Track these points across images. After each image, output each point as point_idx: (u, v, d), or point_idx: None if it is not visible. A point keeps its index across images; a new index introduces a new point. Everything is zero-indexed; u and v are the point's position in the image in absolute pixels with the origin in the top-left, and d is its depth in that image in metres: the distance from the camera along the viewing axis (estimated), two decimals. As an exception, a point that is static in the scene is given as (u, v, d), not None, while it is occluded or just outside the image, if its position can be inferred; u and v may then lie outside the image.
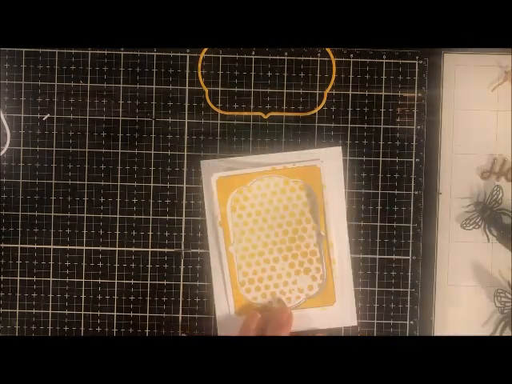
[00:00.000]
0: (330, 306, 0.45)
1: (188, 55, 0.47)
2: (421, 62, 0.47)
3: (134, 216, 0.47)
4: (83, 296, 0.47)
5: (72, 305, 0.46)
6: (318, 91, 0.47)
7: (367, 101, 0.47)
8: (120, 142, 0.47)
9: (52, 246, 0.46)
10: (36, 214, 0.46)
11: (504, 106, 0.47)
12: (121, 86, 0.47)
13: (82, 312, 0.46)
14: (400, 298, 0.46)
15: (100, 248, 0.47)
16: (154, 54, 0.47)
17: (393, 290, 0.47)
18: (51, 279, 0.46)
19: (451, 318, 0.47)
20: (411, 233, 0.47)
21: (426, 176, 0.47)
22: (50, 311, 0.47)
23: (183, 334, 0.46)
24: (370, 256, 0.46)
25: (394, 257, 0.46)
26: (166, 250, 0.47)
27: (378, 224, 0.47)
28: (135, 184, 0.47)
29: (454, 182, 0.47)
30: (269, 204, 0.45)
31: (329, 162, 0.46)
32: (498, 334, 0.46)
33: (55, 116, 0.47)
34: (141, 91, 0.46)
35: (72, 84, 0.47)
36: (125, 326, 0.46)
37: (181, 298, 0.47)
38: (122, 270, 0.47)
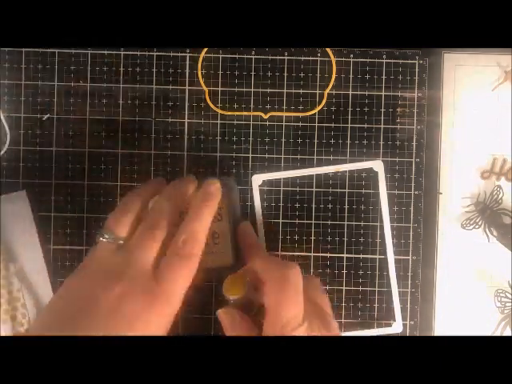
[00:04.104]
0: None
1: (188, 55, 0.47)
2: (421, 61, 0.47)
3: (134, 216, 0.47)
4: (83, 296, 0.46)
5: (72, 305, 0.46)
6: (318, 91, 0.47)
7: (367, 101, 0.47)
8: (120, 142, 0.47)
9: (52, 246, 0.46)
10: (36, 213, 0.46)
11: (504, 106, 0.47)
12: (121, 86, 0.47)
13: (82, 312, 0.46)
14: (400, 298, 0.46)
15: (100, 248, 0.46)
16: (154, 54, 0.47)
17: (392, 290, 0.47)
18: (51, 279, 0.46)
19: (451, 317, 0.47)
20: (411, 233, 0.47)
21: (425, 176, 0.47)
22: (50, 311, 0.46)
23: None
24: (369, 256, 0.46)
25: (394, 256, 0.46)
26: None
27: (378, 224, 0.47)
28: (135, 184, 0.47)
29: (454, 182, 0.47)
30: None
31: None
32: (498, 333, 0.46)
33: (55, 116, 0.46)
34: (141, 91, 0.46)
35: (72, 84, 0.47)
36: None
37: (181, 298, 0.46)
38: (122, 270, 0.46)
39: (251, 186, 0.46)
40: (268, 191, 0.47)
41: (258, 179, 0.46)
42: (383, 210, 0.46)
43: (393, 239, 0.46)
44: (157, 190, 0.41)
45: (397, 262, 0.46)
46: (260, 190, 0.46)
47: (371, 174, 0.46)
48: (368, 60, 0.47)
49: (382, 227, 0.46)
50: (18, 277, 0.44)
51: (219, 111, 0.47)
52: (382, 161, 0.46)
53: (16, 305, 0.44)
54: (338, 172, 0.46)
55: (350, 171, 0.46)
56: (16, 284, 0.44)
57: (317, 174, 0.46)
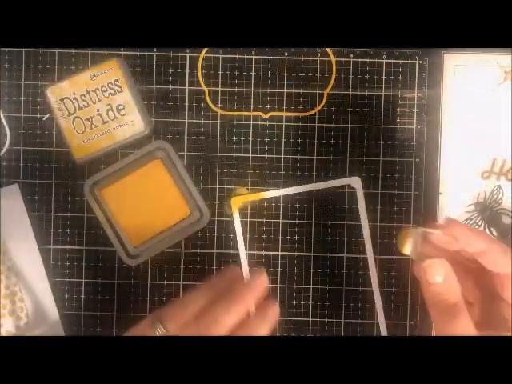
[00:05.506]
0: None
1: (188, 55, 0.47)
2: (421, 62, 0.47)
3: (134, 216, 0.47)
4: (83, 296, 0.46)
5: (72, 305, 0.46)
6: (317, 91, 0.47)
7: (367, 101, 0.47)
8: (120, 142, 0.46)
9: (52, 246, 0.46)
10: (36, 213, 0.46)
11: (504, 106, 0.47)
12: (121, 85, 0.46)
13: (82, 312, 0.46)
14: (400, 298, 0.46)
15: (100, 248, 0.46)
16: (154, 54, 0.47)
17: (393, 290, 0.47)
18: (51, 279, 0.46)
19: (451, 318, 0.46)
20: (411, 233, 0.47)
21: (425, 176, 0.47)
22: (50, 311, 0.47)
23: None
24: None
25: (393, 257, 0.46)
26: (166, 249, 0.47)
27: (378, 224, 0.47)
28: (135, 184, 0.47)
29: (454, 182, 0.47)
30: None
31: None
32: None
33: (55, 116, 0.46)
34: (141, 91, 0.46)
35: (72, 84, 0.46)
36: (124, 326, 0.46)
37: (181, 298, 0.46)
38: (122, 270, 0.47)
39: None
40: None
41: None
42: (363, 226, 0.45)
43: (393, 239, 0.46)
44: (225, 288, 0.37)
45: (397, 261, 0.46)
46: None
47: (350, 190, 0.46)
48: (368, 60, 0.47)
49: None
50: (14, 271, 0.44)
51: (219, 111, 0.47)
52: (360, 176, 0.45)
53: (13, 299, 0.44)
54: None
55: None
56: (13, 278, 0.44)
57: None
